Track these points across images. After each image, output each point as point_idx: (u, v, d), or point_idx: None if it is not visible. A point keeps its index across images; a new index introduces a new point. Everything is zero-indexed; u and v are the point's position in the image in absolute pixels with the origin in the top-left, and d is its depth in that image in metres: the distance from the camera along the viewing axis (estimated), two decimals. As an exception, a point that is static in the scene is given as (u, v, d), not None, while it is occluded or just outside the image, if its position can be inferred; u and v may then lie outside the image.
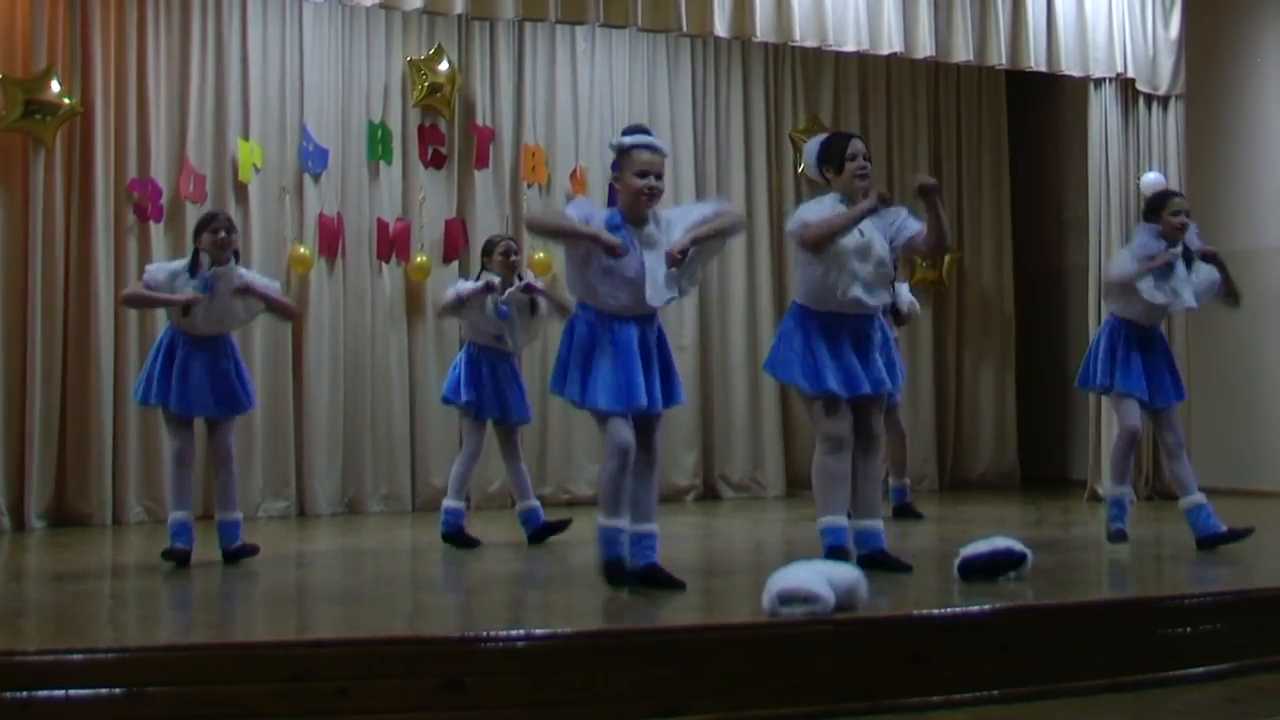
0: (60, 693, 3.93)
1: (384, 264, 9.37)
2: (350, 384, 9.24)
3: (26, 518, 8.14)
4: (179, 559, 6.39)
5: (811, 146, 5.97)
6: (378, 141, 9.36)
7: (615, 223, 5.29)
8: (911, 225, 5.87)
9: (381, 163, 9.39)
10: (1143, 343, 6.77)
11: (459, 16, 8.87)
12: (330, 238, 9.16)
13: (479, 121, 9.68)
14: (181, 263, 6.64)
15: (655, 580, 5.30)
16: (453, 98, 9.56)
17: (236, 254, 6.62)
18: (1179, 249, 6.69)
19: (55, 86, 8.27)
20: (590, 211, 5.39)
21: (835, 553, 5.55)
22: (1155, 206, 6.81)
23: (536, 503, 7.40)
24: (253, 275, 6.77)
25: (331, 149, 9.22)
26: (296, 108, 9.15)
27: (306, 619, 5.24)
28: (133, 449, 8.47)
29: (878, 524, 5.85)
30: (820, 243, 5.61)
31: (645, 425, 5.39)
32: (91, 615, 5.09)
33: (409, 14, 9.02)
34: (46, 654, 4.07)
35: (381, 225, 9.36)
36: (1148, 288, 6.65)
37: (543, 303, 7.28)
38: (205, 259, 6.50)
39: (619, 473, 5.27)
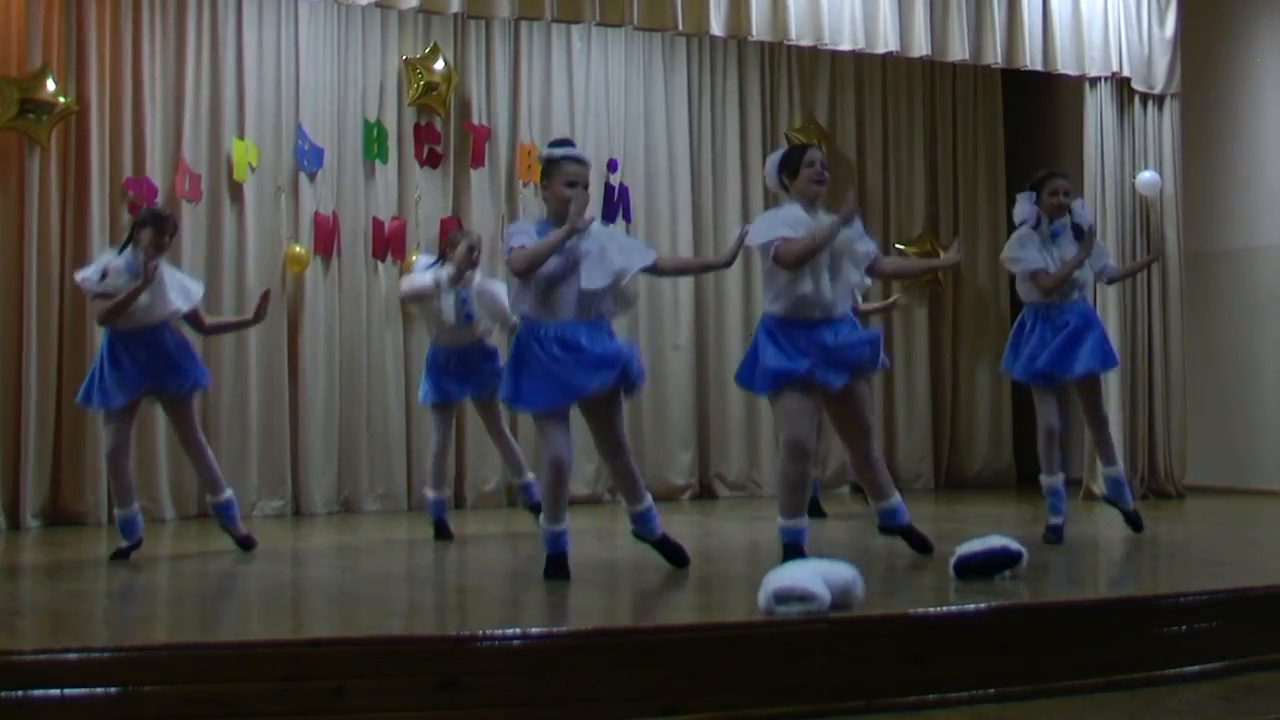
0: (56, 692, 3.93)
1: (380, 263, 9.37)
2: (346, 383, 9.24)
3: (22, 517, 8.13)
4: (124, 556, 6.57)
5: (772, 159, 6.18)
6: (373, 140, 9.35)
7: (546, 228, 5.59)
8: (870, 245, 6.08)
9: (377, 162, 9.38)
10: (1052, 324, 6.76)
11: (455, 15, 8.85)
12: (326, 237, 9.16)
13: (474, 120, 9.68)
14: (109, 256, 6.76)
15: (670, 552, 5.93)
16: (448, 97, 9.55)
17: None
18: (1064, 222, 6.81)
19: (50, 85, 8.25)
20: (528, 230, 5.68)
21: (791, 550, 5.76)
22: (1037, 184, 6.89)
23: (531, 477, 7.57)
24: (181, 277, 6.88)
25: (327, 148, 9.21)
26: (292, 107, 9.15)
27: (302, 618, 5.24)
28: (128, 448, 8.44)
29: (895, 501, 6.19)
30: (802, 260, 5.75)
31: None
32: (87, 614, 5.09)
33: (405, 13, 9.02)
34: (42, 653, 4.07)
35: (377, 224, 9.35)
36: (1032, 256, 6.74)
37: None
38: (139, 254, 6.58)
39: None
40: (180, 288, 6.74)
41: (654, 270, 5.90)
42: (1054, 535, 6.74)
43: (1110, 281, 7.61)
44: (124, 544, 6.63)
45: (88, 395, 6.70)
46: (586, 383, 5.49)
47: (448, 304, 7.36)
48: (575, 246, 5.51)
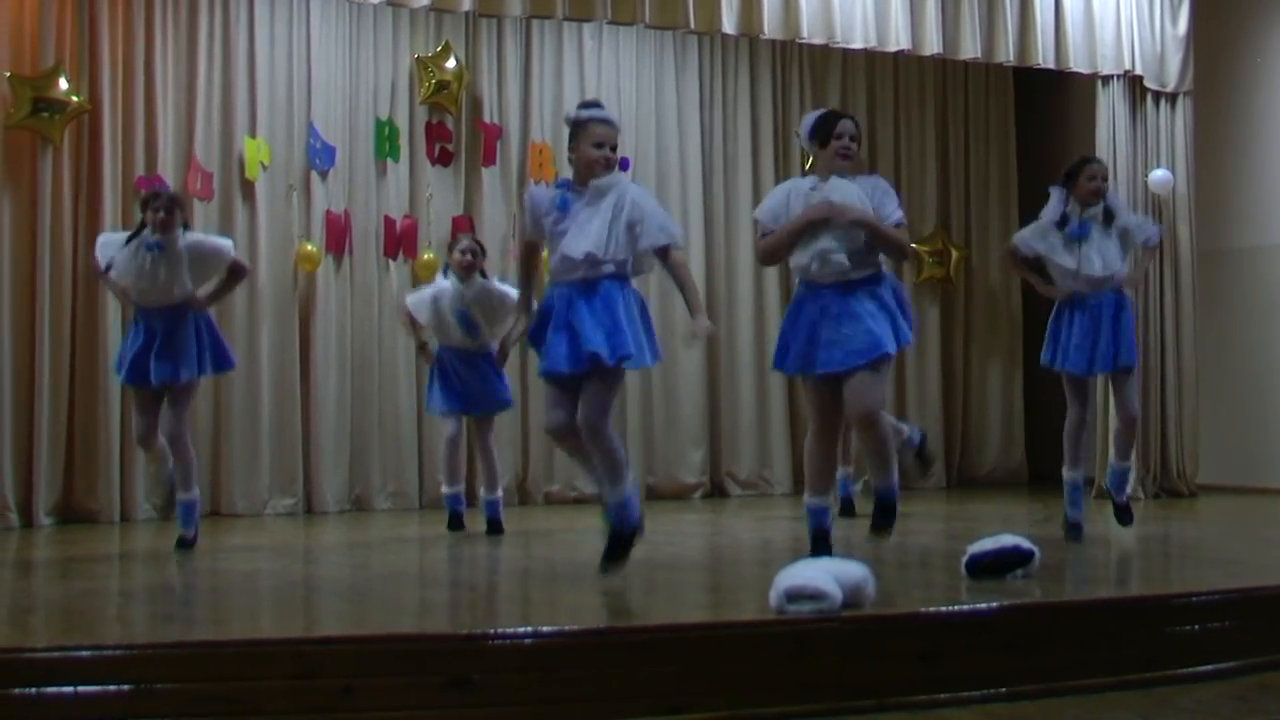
0: (69, 689, 3.94)
1: (391, 261, 9.38)
2: (358, 381, 9.25)
3: (35, 515, 8.16)
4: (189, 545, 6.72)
5: (808, 119, 5.95)
6: (385, 139, 9.37)
7: (563, 187, 5.45)
8: (890, 211, 5.64)
9: (389, 160, 9.40)
10: (1085, 314, 6.68)
11: (466, 14, 8.87)
12: (338, 235, 9.17)
13: (486, 119, 9.69)
14: (127, 234, 6.82)
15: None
16: (460, 95, 9.56)
17: (186, 225, 6.76)
18: (1096, 212, 6.67)
19: (63, 84, 8.28)
20: (539, 196, 5.53)
21: (816, 537, 5.69)
22: (1072, 172, 6.77)
23: (499, 495, 7.59)
24: (201, 238, 6.85)
25: (339, 146, 9.23)
26: (304, 105, 9.16)
27: (313, 616, 5.24)
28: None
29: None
30: (774, 255, 5.77)
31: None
32: (99, 612, 5.10)
33: (416, 11, 9.02)
34: (55, 650, 4.07)
35: (389, 223, 9.36)
36: (1056, 250, 6.69)
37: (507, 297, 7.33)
38: (149, 232, 6.63)
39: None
40: (197, 264, 6.65)
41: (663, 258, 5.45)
42: (1074, 532, 6.72)
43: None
44: (188, 533, 6.69)
45: (119, 367, 6.79)
46: (548, 357, 5.33)
47: (450, 314, 7.35)
48: (580, 208, 5.32)
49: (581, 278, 5.30)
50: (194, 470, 6.78)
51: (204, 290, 6.85)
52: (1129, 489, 6.89)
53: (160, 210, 6.59)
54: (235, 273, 6.90)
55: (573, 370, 5.27)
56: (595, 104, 5.61)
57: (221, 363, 6.88)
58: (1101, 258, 6.66)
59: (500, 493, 7.64)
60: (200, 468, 8.52)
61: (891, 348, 5.55)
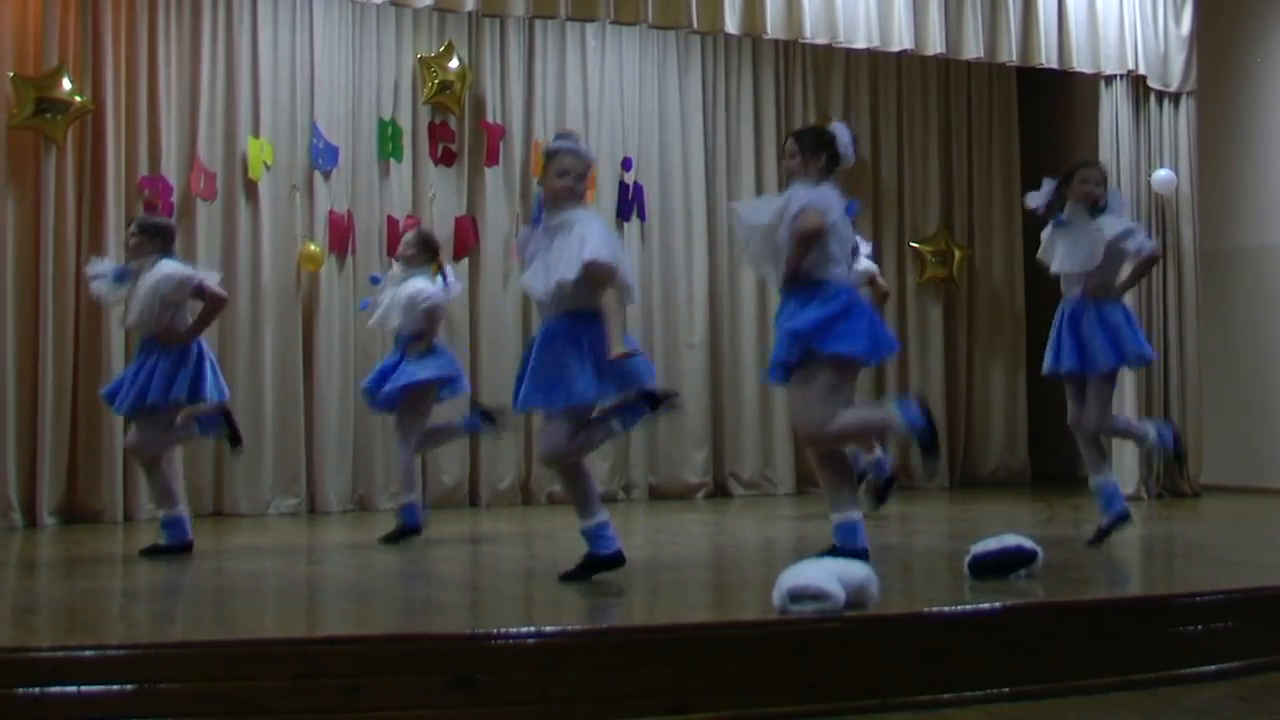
0: (72, 689, 3.94)
1: (394, 262, 9.34)
2: (360, 381, 9.22)
3: (38, 514, 8.16)
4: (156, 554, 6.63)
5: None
6: (388, 139, 9.37)
7: (536, 207, 5.67)
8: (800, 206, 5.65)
9: (392, 160, 9.40)
10: (1075, 316, 6.55)
11: (469, 14, 8.87)
12: (340, 235, 9.17)
13: (489, 119, 9.69)
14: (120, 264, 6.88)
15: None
16: (463, 95, 9.57)
17: (167, 253, 6.63)
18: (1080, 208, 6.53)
19: (66, 84, 8.28)
20: (524, 237, 5.79)
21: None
22: (1069, 173, 6.66)
23: (413, 498, 7.36)
24: (166, 267, 6.62)
25: (342, 146, 9.23)
26: (307, 105, 9.17)
27: (317, 616, 5.25)
28: (144, 446, 8.46)
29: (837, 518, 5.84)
30: None
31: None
32: (103, 612, 5.10)
33: (419, 11, 9.03)
34: (59, 650, 4.08)
35: (392, 222, 9.36)
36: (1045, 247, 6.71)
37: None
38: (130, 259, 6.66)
39: None
40: (150, 292, 6.51)
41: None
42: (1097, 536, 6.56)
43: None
44: (173, 544, 6.61)
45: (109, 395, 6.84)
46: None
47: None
48: (543, 237, 5.51)
49: (549, 311, 5.47)
50: (172, 488, 6.65)
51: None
52: (1116, 509, 6.47)
53: (132, 235, 6.65)
54: (207, 301, 6.65)
55: (519, 411, 5.63)
56: (567, 135, 5.85)
57: (202, 393, 6.66)
58: (1070, 255, 6.53)
59: (414, 496, 7.32)
60: (203, 469, 8.62)
61: (814, 347, 5.51)
